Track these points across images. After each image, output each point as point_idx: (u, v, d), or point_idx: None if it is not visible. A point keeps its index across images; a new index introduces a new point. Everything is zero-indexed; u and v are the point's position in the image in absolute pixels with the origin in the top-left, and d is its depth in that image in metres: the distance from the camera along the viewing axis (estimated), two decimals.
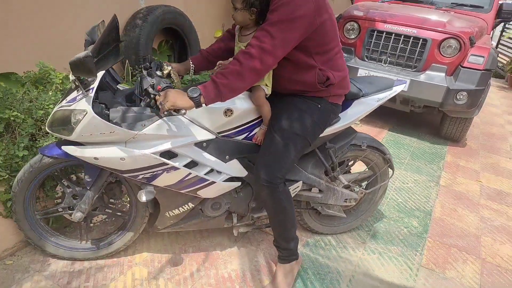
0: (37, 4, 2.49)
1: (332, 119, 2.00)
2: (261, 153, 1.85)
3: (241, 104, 1.83)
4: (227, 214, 2.13)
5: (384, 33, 4.23)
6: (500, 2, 4.93)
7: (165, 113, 1.54)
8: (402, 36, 4.16)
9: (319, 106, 1.86)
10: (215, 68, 2.06)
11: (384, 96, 2.22)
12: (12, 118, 1.91)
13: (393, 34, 4.20)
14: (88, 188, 1.84)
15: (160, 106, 1.53)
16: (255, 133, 1.92)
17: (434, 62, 4.10)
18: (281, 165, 1.80)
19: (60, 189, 2.03)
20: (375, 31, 4.28)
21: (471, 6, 4.95)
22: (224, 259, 2.18)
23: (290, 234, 1.97)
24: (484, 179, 3.58)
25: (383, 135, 4.35)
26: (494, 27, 5.07)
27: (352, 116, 2.12)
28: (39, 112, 1.98)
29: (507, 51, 8.90)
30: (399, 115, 5.02)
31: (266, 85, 1.84)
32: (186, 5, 3.68)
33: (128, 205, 2.11)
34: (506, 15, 4.93)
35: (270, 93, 1.86)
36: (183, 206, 1.97)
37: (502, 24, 8.89)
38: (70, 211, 1.91)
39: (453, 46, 4.03)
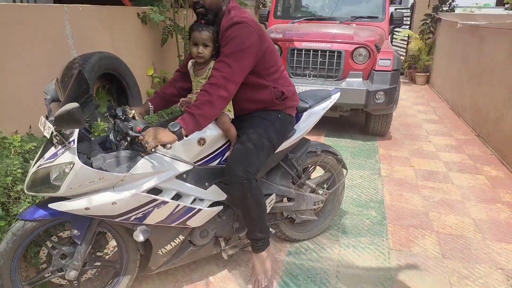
0: None
1: (290, 129, 2.23)
2: (232, 154, 1.99)
3: (211, 132, 1.97)
4: (215, 240, 2.20)
5: (303, 50, 4.65)
6: (390, 11, 5.70)
7: (153, 150, 1.62)
8: (319, 51, 4.61)
9: (279, 116, 2.11)
10: (178, 105, 2.18)
11: (326, 105, 2.53)
12: None
13: (311, 50, 4.63)
14: (79, 243, 1.79)
15: (146, 145, 1.61)
16: (227, 157, 2.06)
17: (351, 70, 4.60)
18: (252, 162, 1.96)
19: (44, 253, 1.93)
20: (295, 50, 4.68)
21: (368, 17, 5.64)
22: (218, 285, 2.23)
23: (265, 225, 2.12)
24: (415, 164, 4.08)
25: (321, 141, 4.70)
26: (390, 32, 5.81)
27: (305, 127, 2.38)
28: (8, 179, 1.88)
29: (401, 51, 10.13)
30: (330, 121, 5.46)
31: (229, 110, 2.02)
32: (116, 49, 3.70)
33: (117, 253, 2.07)
34: (397, 21, 5.71)
35: (233, 117, 2.04)
36: (174, 240, 2.01)
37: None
38: (60, 273, 1.84)
39: (363, 54, 4.56)
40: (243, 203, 2.00)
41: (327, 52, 4.58)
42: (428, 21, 8.81)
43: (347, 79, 4.58)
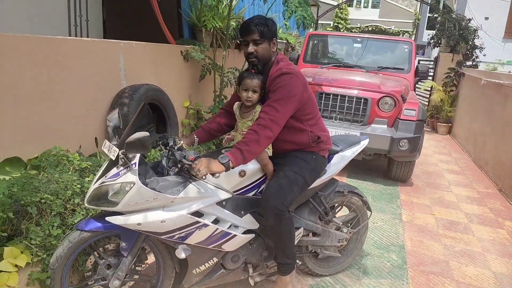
0: (34, 96, 2.65)
1: (322, 169, 2.42)
2: (269, 187, 2.17)
3: (251, 166, 2.18)
4: (244, 266, 2.34)
5: (331, 95, 4.88)
6: (416, 64, 5.95)
7: (203, 177, 1.82)
8: (347, 97, 4.84)
9: (314, 157, 2.30)
10: (223, 141, 2.44)
11: (356, 150, 2.72)
12: (42, 200, 2.01)
13: (339, 95, 4.86)
14: (125, 255, 1.96)
15: (198, 172, 1.81)
16: (262, 188, 2.24)
17: (376, 116, 4.79)
18: (287, 195, 2.13)
19: (90, 261, 2.11)
20: (323, 94, 4.91)
21: (394, 68, 5.90)
22: None
23: (292, 252, 2.28)
24: (436, 212, 4.15)
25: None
26: (415, 84, 6.03)
27: (335, 168, 2.57)
28: (68, 192, 2.10)
29: (423, 100, 10.33)
30: (353, 163, 5.56)
31: (268, 148, 2.23)
32: (160, 82, 4.00)
33: (154, 269, 2.22)
34: (422, 74, 5.96)
35: (271, 154, 2.24)
36: (209, 262, 2.16)
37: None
38: (103, 282, 2.00)
39: (389, 103, 4.76)
40: (275, 232, 2.15)
41: (354, 98, 4.80)
42: (451, 75, 9.03)
43: (372, 125, 4.76)
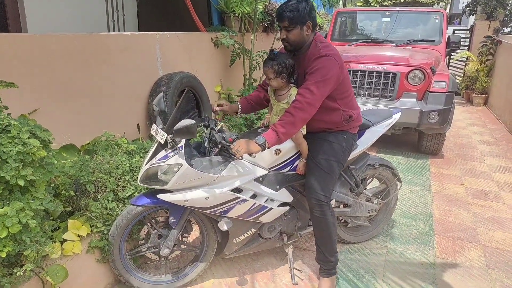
0: (83, 90, 2.96)
1: (353, 146, 2.54)
2: (308, 180, 2.35)
3: (286, 144, 2.34)
4: (279, 235, 2.58)
5: (359, 71, 4.96)
6: (447, 35, 5.86)
7: (240, 157, 2.03)
8: (375, 72, 4.89)
9: (345, 136, 2.42)
10: (260, 124, 2.61)
11: (388, 124, 2.82)
12: (98, 179, 2.33)
13: (367, 72, 4.93)
14: (174, 227, 2.25)
15: (236, 153, 2.02)
16: (296, 165, 2.43)
17: (405, 90, 4.83)
18: (328, 186, 2.32)
19: (144, 231, 2.43)
20: (351, 71, 4.99)
21: (424, 40, 5.84)
22: (276, 275, 2.60)
23: (334, 247, 2.42)
24: (466, 182, 4.21)
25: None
26: (447, 55, 5.95)
27: (367, 142, 2.69)
28: (119, 171, 2.41)
29: (457, 71, 10.04)
30: (383, 138, 5.63)
31: (302, 127, 2.35)
32: (192, 69, 4.26)
33: (198, 240, 2.51)
34: (454, 44, 5.85)
35: (305, 133, 2.40)
36: (247, 232, 2.41)
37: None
38: (154, 250, 2.31)
39: (418, 76, 4.78)
40: (321, 223, 2.33)
41: (383, 73, 4.85)
42: (488, 43, 8.73)
43: (401, 99, 4.81)
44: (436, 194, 3.90)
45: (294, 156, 2.43)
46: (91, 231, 2.29)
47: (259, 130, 2.44)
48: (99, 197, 2.35)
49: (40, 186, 1.82)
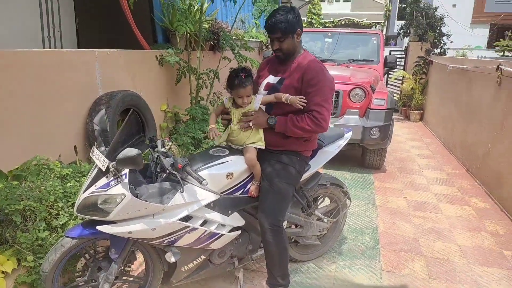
0: (12, 110, 2.73)
1: (305, 167, 2.53)
2: (262, 204, 2.30)
3: (239, 167, 2.30)
4: (230, 259, 2.49)
5: None
6: (384, 55, 6.21)
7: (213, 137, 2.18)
8: None
9: (298, 158, 2.40)
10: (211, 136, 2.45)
11: (340, 144, 2.86)
12: (26, 208, 2.13)
13: None
14: (114, 260, 2.08)
15: (248, 124, 2.24)
16: (249, 188, 2.38)
17: (348, 107, 5.01)
18: (281, 210, 2.29)
19: (81, 263, 2.23)
20: None
21: (364, 60, 6.14)
22: None
23: (286, 271, 2.39)
24: (407, 195, 4.40)
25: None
26: (384, 74, 6.29)
27: (319, 163, 2.70)
28: (51, 197, 2.22)
29: (395, 89, 10.67)
30: None
31: (261, 142, 2.33)
32: (136, 87, 4.11)
33: (143, 270, 2.36)
34: (390, 64, 6.21)
35: (264, 147, 2.33)
36: (197, 259, 2.30)
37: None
38: (93, 283, 2.13)
39: (360, 94, 4.98)
40: (273, 247, 2.28)
41: None
42: (420, 63, 9.37)
43: (344, 116, 4.98)
44: (380, 207, 4.03)
45: (247, 179, 2.37)
46: (18, 265, 2.06)
47: (211, 152, 2.36)
48: (28, 226, 2.13)
49: None
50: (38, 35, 4.24)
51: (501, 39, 11.38)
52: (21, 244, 2.05)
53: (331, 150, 2.77)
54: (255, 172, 2.34)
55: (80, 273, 2.21)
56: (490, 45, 18.46)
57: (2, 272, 1.96)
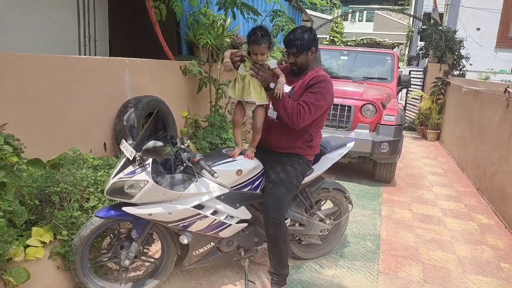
0: (52, 108, 3.09)
1: (308, 170, 2.77)
2: (266, 199, 2.56)
3: (248, 166, 2.56)
4: (236, 249, 2.73)
5: None
6: (398, 74, 6.42)
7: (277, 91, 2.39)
8: (332, 105, 5.27)
9: (301, 161, 2.66)
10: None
11: (342, 152, 3.10)
12: (63, 190, 2.44)
13: None
14: (135, 239, 2.37)
15: (260, 74, 2.42)
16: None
17: (359, 122, 5.23)
18: (283, 206, 2.53)
19: (106, 242, 2.52)
20: None
21: (378, 78, 6.38)
22: (233, 286, 2.74)
23: (286, 262, 2.62)
24: (414, 208, 4.55)
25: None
26: (398, 92, 6.49)
27: (322, 167, 2.95)
28: (84, 183, 2.54)
29: (413, 109, 10.79)
30: (341, 167, 6.02)
31: (266, 99, 2.53)
32: (161, 94, 4.45)
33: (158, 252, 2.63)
34: (404, 83, 6.44)
35: (268, 103, 2.56)
36: (207, 246, 2.56)
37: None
38: (115, 260, 2.41)
39: (371, 109, 5.20)
40: (274, 239, 2.52)
41: (339, 106, 5.25)
42: (438, 84, 9.50)
43: (355, 130, 5.20)
44: (386, 217, 4.20)
45: (255, 177, 2.63)
46: (54, 238, 2.37)
47: (223, 151, 2.64)
48: (64, 206, 2.45)
49: (10, 190, 1.93)
50: (75, 43, 4.66)
51: None
52: (58, 220, 2.35)
53: (333, 157, 3.01)
54: (255, 139, 2.59)
55: (105, 250, 2.51)
56: None
57: (42, 242, 2.26)
